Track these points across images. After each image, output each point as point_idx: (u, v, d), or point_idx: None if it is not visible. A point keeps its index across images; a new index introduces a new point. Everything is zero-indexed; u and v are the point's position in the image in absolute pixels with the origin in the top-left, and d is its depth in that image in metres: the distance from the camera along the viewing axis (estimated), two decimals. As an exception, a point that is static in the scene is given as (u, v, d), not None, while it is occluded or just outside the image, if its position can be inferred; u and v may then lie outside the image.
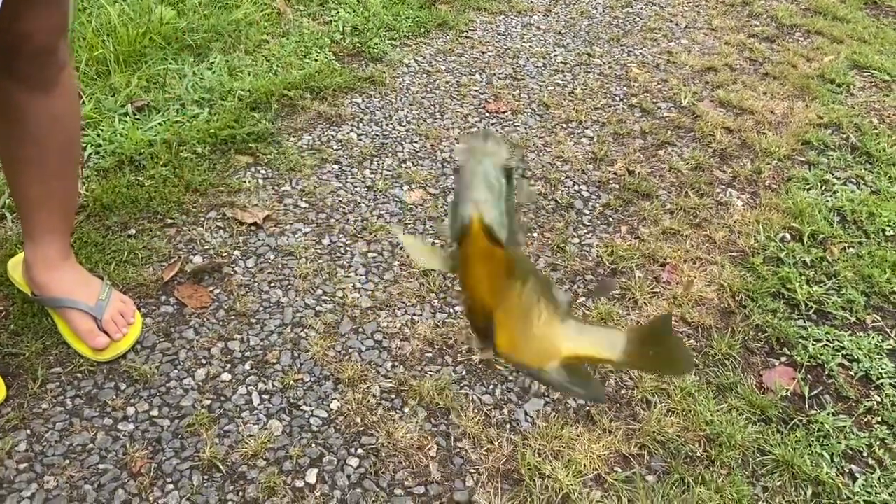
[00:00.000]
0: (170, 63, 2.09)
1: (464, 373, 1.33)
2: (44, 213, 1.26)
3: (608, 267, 1.59)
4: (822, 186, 1.90)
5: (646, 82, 2.34)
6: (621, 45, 2.57)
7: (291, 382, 1.28)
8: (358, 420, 1.23)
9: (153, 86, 1.99)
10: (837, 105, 2.26)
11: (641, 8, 2.85)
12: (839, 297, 1.56)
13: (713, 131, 2.10)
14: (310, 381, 1.29)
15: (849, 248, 1.70)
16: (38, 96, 1.12)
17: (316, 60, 2.26)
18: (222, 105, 1.97)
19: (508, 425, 1.25)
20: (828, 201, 1.84)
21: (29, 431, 1.15)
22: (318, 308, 1.43)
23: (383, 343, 1.38)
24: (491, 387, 1.31)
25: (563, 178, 1.85)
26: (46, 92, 1.13)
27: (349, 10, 2.57)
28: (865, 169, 1.99)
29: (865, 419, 1.31)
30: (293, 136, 1.91)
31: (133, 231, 1.55)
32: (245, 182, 1.73)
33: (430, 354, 1.36)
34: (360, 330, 1.39)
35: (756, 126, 2.14)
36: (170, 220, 1.59)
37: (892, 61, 2.53)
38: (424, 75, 2.27)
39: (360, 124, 2.00)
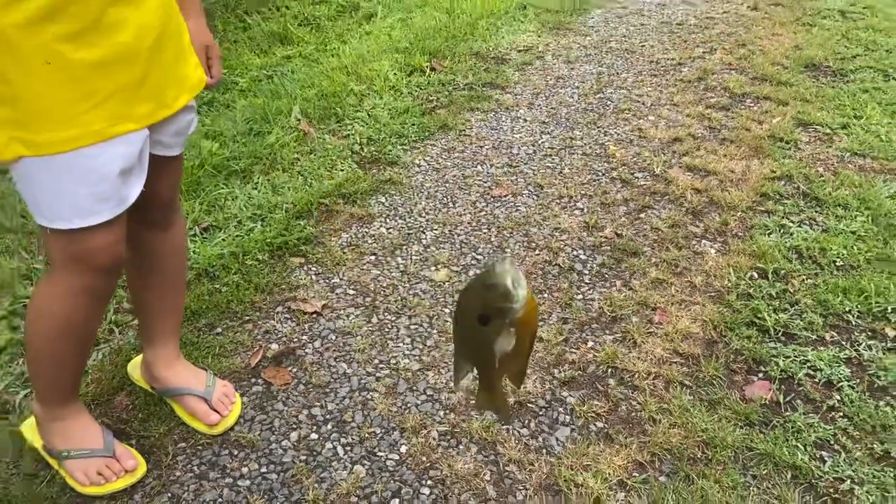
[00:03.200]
0: (222, 188, 2.48)
1: (503, 413, 1.64)
2: (161, 321, 1.60)
3: (609, 315, 1.92)
4: (780, 230, 2.26)
5: (622, 157, 2.74)
6: (598, 127, 2.98)
7: (366, 435, 1.60)
8: (424, 458, 1.54)
9: (213, 208, 2.38)
10: (788, 159, 2.65)
11: (612, 92, 3.28)
12: (801, 320, 1.89)
13: (684, 193, 2.47)
14: (381, 432, 1.61)
15: (807, 279, 2.04)
16: (160, 235, 1.49)
17: (342, 171, 2.66)
18: (272, 217, 2.35)
19: (544, 450, 1.55)
20: (786, 242, 2.19)
21: (169, 494, 1.46)
22: (377, 374, 1.76)
23: (434, 396, 1.70)
24: (526, 421, 1.62)
25: (562, 246, 2.21)
26: (166, 231, 1.50)
27: (362, 124, 3.00)
28: (816, 212, 2.35)
29: (830, 415, 1.62)
30: (334, 237, 2.29)
31: (219, 329, 1.89)
32: (301, 279, 2.09)
33: (473, 401, 1.68)
34: (414, 388, 1.72)
35: (720, 185, 2.52)
36: (247, 318, 1.94)
37: (832, 116, 2.94)
38: (434, 172, 2.66)
39: (387, 220, 2.37)
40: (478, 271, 0.64)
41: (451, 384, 1.73)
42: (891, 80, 3.25)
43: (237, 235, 2.25)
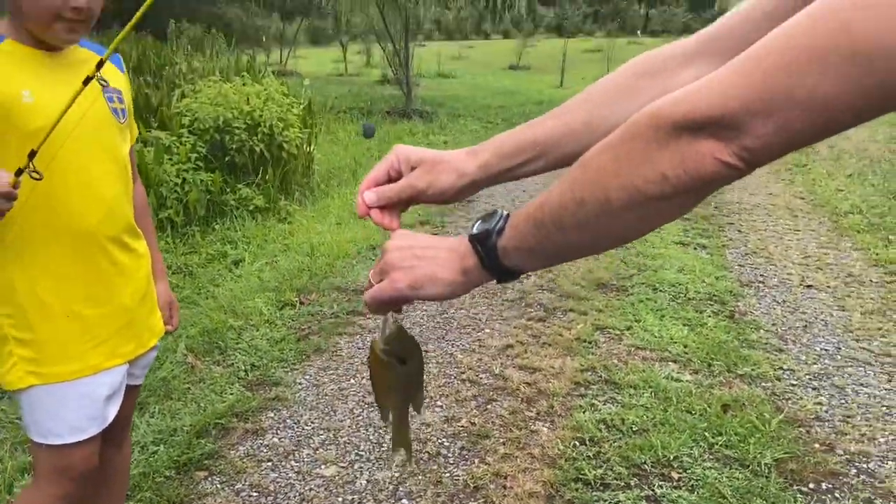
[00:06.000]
0: (123, 417, 2.76)
1: (397, 573, 2.02)
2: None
3: (472, 486, 2.40)
4: (591, 408, 2.93)
5: (469, 363, 3.37)
6: (446, 341, 3.64)
7: None
8: None
9: (118, 436, 2.65)
10: (591, 355, 3.42)
11: (454, 312, 4.02)
12: (612, 472, 2.48)
13: (519, 387, 3.12)
14: None
15: (614, 442, 2.67)
16: (114, 451, 1.83)
17: (231, 394, 3.04)
18: (173, 440, 2.66)
19: None
20: (596, 417, 2.85)
21: None
22: (287, 559, 2.08)
23: (339, 569, 2.04)
24: (417, 576, 2.00)
25: (429, 436, 2.71)
26: (119, 447, 1.85)
27: (244, 353, 3.44)
28: (615, 393, 3.07)
29: (640, 537, 2.16)
30: (232, 450, 2.63)
31: (138, 539, 2.13)
32: (208, 488, 2.39)
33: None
34: (321, 565, 2.05)
35: (545, 378, 3.20)
36: (162, 526, 2.20)
37: (619, 320, 3.83)
38: (314, 388, 3.12)
39: (278, 431, 2.76)
40: (375, 336, 0.90)
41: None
42: (658, 292, 4.28)
43: (143, 458, 2.53)
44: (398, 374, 0.84)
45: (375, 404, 0.93)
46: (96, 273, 1.54)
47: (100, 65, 1.39)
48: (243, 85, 6.35)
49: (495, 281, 0.76)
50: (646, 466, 2.53)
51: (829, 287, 4.49)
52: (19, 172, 1.33)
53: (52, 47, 1.50)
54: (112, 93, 1.58)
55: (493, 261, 0.74)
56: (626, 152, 0.65)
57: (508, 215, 0.75)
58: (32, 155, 1.33)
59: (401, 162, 0.89)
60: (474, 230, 0.76)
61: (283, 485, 2.42)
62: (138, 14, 1.36)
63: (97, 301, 1.55)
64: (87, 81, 1.37)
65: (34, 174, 1.34)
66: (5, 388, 1.56)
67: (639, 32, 39.62)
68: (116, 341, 1.61)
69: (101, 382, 1.58)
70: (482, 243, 0.74)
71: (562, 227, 0.69)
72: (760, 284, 4.53)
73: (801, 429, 2.82)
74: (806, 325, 3.88)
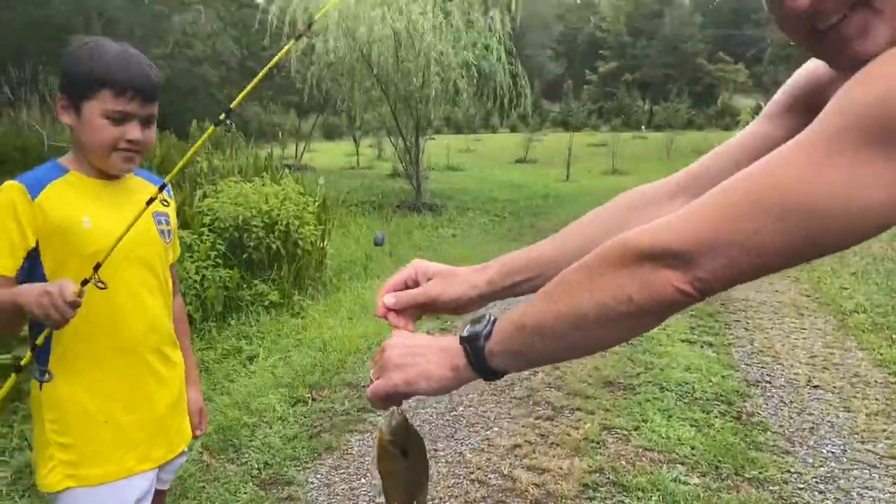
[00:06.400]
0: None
1: None
2: None
3: (481, 592, 2.42)
4: (600, 511, 2.96)
5: (477, 463, 3.41)
6: (455, 439, 3.69)
7: None
8: None
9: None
10: (599, 456, 3.46)
11: (462, 410, 4.08)
12: (622, 578, 2.50)
13: (528, 488, 3.15)
14: None
15: (622, 547, 2.69)
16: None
17: (245, 493, 3.09)
18: (187, 539, 2.70)
19: None
20: (605, 520, 2.88)
21: None
22: None
23: None
24: None
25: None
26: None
27: (258, 451, 3.50)
28: (623, 495, 3.10)
29: None
30: (245, 552, 2.66)
31: None
32: (220, 591, 2.42)
33: None
34: None
35: (553, 479, 3.24)
36: None
37: (627, 420, 3.88)
38: (325, 487, 3.17)
39: (290, 533, 2.80)
40: (381, 427, 0.92)
41: None
42: (665, 391, 4.34)
43: (158, 558, 2.57)
44: (402, 466, 0.90)
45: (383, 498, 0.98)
46: (136, 381, 1.67)
47: (161, 188, 1.59)
48: (262, 185, 6.64)
49: (482, 379, 0.83)
50: (654, 573, 2.55)
51: (835, 387, 4.53)
52: (85, 282, 1.45)
53: (110, 176, 1.69)
54: (161, 216, 1.77)
55: (480, 362, 0.81)
56: (599, 273, 0.74)
57: (496, 320, 0.82)
58: (97, 267, 1.47)
59: (418, 273, 1.00)
60: (465, 332, 0.82)
61: (294, 588, 2.45)
62: (196, 146, 1.57)
63: (134, 407, 1.68)
64: (150, 202, 1.55)
65: (100, 284, 1.46)
66: (42, 490, 1.66)
67: (643, 127, 40.86)
68: (149, 446, 1.72)
69: (133, 486, 1.68)
70: (471, 345, 0.81)
71: (542, 334, 0.77)
72: (767, 384, 4.58)
73: (809, 535, 2.83)
74: (813, 427, 3.91)
